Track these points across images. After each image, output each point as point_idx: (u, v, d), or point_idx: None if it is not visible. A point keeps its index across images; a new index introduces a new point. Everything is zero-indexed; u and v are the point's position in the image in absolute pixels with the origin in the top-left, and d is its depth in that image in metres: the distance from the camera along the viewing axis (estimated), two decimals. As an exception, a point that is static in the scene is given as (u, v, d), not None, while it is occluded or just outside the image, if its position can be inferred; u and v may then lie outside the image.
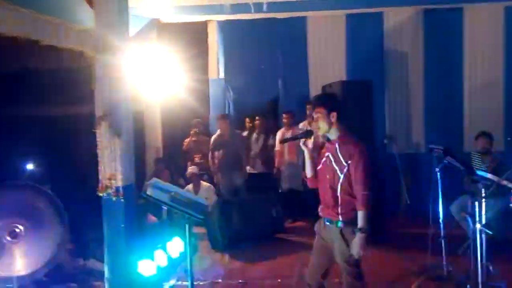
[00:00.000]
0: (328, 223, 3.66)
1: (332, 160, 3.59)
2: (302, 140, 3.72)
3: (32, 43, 4.86)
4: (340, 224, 3.56)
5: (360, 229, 3.44)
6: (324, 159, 3.68)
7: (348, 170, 3.50)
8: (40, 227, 4.12)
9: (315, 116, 3.67)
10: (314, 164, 3.77)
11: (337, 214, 3.57)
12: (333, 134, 3.63)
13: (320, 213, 3.76)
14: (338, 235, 3.57)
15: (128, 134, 4.64)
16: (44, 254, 4.14)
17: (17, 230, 4.03)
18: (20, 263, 4.07)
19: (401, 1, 8.23)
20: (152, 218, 7.09)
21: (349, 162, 3.49)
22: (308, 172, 3.80)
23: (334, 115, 3.57)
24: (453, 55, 8.31)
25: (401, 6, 8.36)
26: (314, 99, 3.80)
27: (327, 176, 3.62)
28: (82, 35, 5.34)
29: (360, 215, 3.44)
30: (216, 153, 8.00)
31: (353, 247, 3.48)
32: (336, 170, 3.56)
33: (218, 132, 8.16)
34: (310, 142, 3.70)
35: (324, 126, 3.62)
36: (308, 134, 3.73)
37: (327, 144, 3.71)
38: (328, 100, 3.75)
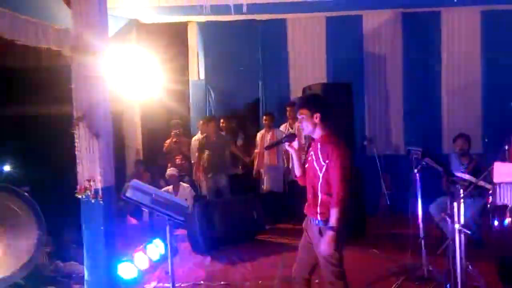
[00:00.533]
0: (311, 221, 3.71)
1: (314, 159, 3.64)
2: (286, 144, 3.79)
3: (9, 43, 4.78)
4: (318, 223, 3.61)
5: (330, 227, 3.47)
6: (309, 157, 3.73)
7: (326, 170, 3.54)
8: (16, 229, 4.02)
9: (299, 117, 3.70)
10: (302, 163, 3.83)
11: (317, 213, 3.62)
12: (317, 134, 3.67)
13: (305, 211, 3.80)
14: (317, 234, 3.61)
15: (107, 135, 4.58)
16: (21, 256, 4.04)
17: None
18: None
19: (380, 4, 8.29)
20: (132, 220, 7.05)
21: (327, 162, 3.53)
22: (297, 171, 3.87)
23: (317, 116, 3.60)
24: (431, 57, 8.44)
25: (380, 9, 8.45)
26: (298, 100, 3.85)
27: (310, 175, 3.68)
28: (60, 35, 5.27)
29: (332, 213, 3.47)
30: (202, 155, 7.96)
31: (321, 244, 3.53)
32: (317, 170, 3.60)
33: (200, 134, 8.13)
34: (295, 143, 3.78)
35: (308, 127, 3.66)
36: (291, 137, 3.82)
37: (312, 143, 3.76)
38: (311, 101, 3.77)
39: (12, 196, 4.14)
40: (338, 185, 3.47)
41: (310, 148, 3.77)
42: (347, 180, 3.49)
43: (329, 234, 3.46)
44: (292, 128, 8.20)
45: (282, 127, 8.07)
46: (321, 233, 3.59)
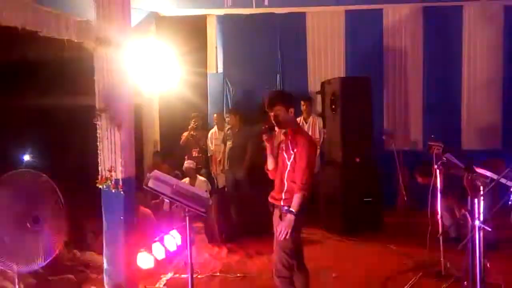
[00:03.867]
0: (273, 208, 3.91)
1: (284, 149, 3.85)
2: (264, 136, 3.90)
3: (32, 34, 4.84)
4: (280, 208, 3.79)
5: (291, 210, 3.65)
6: (281, 150, 3.92)
7: (294, 158, 3.74)
8: (47, 215, 3.99)
9: (274, 114, 3.84)
10: (275, 158, 3.98)
11: (281, 199, 3.81)
12: (290, 127, 3.89)
13: (269, 198, 3.98)
14: (278, 219, 3.80)
15: (128, 126, 4.62)
16: (52, 244, 4.01)
17: (39, 217, 3.82)
18: (41, 252, 3.84)
19: (400, -2, 8.25)
20: (146, 211, 7.06)
21: (295, 150, 3.73)
22: (270, 165, 4.02)
23: (292, 111, 3.85)
24: (452, 52, 8.35)
25: (401, 3, 8.37)
26: (271, 98, 3.94)
27: (280, 164, 3.89)
28: (82, 27, 5.31)
29: (295, 198, 3.67)
30: (225, 146, 8.03)
31: (280, 224, 3.69)
32: (285, 158, 3.82)
33: (217, 128, 8.18)
34: (273, 137, 3.92)
35: (285, 122, 3.84)
36: (269, 130, 3.89)
37: (284, 136, 3.93)
38: (284, 97, 3.97)
39: (40, 183, 4.08)
40: (303, 172, 3.68)
41: (282, 141, 3.94)
42: (311, 169, 3.74)
43: (289, 217, 3.66)
44: (306, 122, 8.20)
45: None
46: (281, 217, 3.77)
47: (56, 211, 3.88)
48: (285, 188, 3.80)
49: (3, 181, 3.55)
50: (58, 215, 3.89)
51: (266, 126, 3.88)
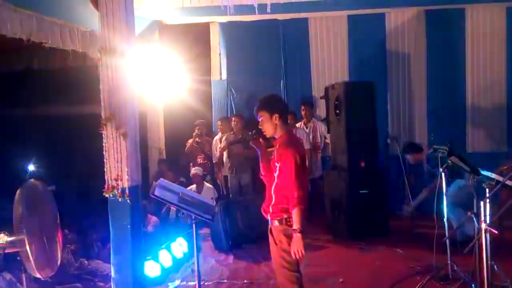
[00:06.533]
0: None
1: (274, 160, 3.70)
2: (251, 142, 3.83)
3: (37, 45, 4.88)
4: (270, 222, 3.71)
5: (295, 229, 3.49)
6: (272, 158, 3.79)
7: (279, 170, 3.59)
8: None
9: (259, 119, 3.74)
10: (267, 162, 3.86)
11: (268, 212, 3.70)
12: (278, 135, 3.74)
13: (262, 209, 3.85)
14: (269, 233, 3.75)
15: (134, 135, 4.65)
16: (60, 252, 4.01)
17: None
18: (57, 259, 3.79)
19: (403, 1, 8.24)
20: (153, 218, 7.09)
21: (279, 164, 3.58)
22: (263, 170, 3.90)
23: (276, 117, 3.65)
24: (455, 55, 8.33)
25: (403, 7, 8.38)
26: (258, 103, 3.78)
27: (269, 175, 3.76)
28: (86, 36, 5.37)
29: (294, 215, 3.50)
30: (230, 153, 8.04)
31: (292, 247, 3.53)
32: (273, 171, 3.68)
33: (221, 134, 8.18)
34: (259, 141, 3.81)
35: (269, 128, 3.71)
36: (256, 135, 3.81)
37: (274, 144, 3.81)
38: (269, 103, 3.77)
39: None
40: (293, 186, 3.50)
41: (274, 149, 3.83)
42: (300, 179, 3.52)
43: (297, 236, 3.49)
44: (306, 127, 8.22)
45: (297, 125, 8.12)
46: (271, 232, 3.71)
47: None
48: (273, 201, 3.68)
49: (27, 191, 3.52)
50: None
51: (253, 131, 3.81)
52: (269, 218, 3.69)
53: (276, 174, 3.63)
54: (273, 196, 3.67)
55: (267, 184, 3.85)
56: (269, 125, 3.68)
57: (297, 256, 3.51)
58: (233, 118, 8.11)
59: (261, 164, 3.89)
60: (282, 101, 3.92)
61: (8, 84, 7.40)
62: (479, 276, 4.26)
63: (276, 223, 3.64)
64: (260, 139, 3.81)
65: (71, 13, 5.29)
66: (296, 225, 3.48)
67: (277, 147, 3.69)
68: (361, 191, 6.79)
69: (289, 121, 8.18)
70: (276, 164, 3.61)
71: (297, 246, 3.48)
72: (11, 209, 3.45)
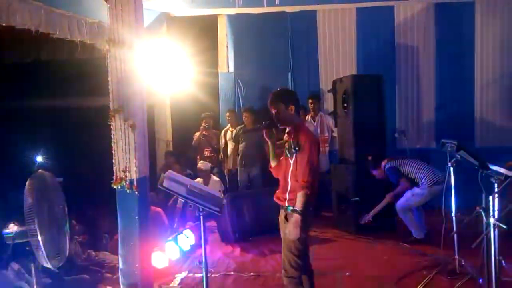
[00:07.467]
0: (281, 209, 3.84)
1: (287, 148, 3.78)
2: (264, 131, 3.86)
3: (45, 36, 4.88)
4: (285, 208, 3.73)
5: (296, 210, 3.57)
6: (284, 147, 3.86)
7: (296, 156, 3.66)
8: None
9: (274, 111, 3.80)
10: (278, 155, 3.93)
11: (285, 199, 3.75)
12: (293, 126, 3.81)
13: (274, 198, 3.91)
14: (283, 219, 3.77)
15: (142, 126, 4.65)
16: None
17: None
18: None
19: (412, -6, 8.20)
20: (156, 209, 7.10)
21: (297, 149, 3.65)
22: (272, 162, 3.97)
23: (292, 108, 3.76)
24: (464, 49, 8.28)
25: (412, 0, 8.33)
26: (272, 95, 3.87)
27: (283, 163, 3.83)
28: (94, 28, 5.36)
29: (299, 197, 3.57)
30: (237, 145, 8.05)
31: (287, 227, 3.63)
32: (288, 157, 3.75)
33: (231, 126, 8.17)
34: (272, 131, 3.87)
35: (285, 119, 3.79)
36: (269, 125, 3.85)
37: (287, 135, 3.88)
38: (284, 96, 3.89)
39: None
40: (303, 170, 3.59)
41: (286, 140, 3.88)
42: (314, 167, 3.61)
43: (295, 217, 3.57)
44: (314, 120, 8.19)
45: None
46: (286, 219, 3.73)
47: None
48: (289, 187, 3.73)
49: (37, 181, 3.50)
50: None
51: (266, 122, 3.86)
52: (286, 204, 3.73)
53: (292, 161, 3.70)
54: (289, 182, 3.74)
55: (276, 176, 3.93)
56: (286, 116, 3.75)
57: (291, 237, 3.61)
58: (244, 114, 8.10)
59: (271, 156, 3.96)
60: (295, 94, 4.02)
61: (17, 75, 7.41)
62: (487, 271, 4.25)
63: (291, 210, 3.68)
64: (273, 130, 3.86)
65: (80, 4, 5.28)
66: (297, 206, 3.56)
67: (292, 135, 3.76)
68: (353, 199, 6.81)
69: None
70: (293, 150, 3.67)
71: (293, 226, 3.57)
72: (17, 199, 3.46)
